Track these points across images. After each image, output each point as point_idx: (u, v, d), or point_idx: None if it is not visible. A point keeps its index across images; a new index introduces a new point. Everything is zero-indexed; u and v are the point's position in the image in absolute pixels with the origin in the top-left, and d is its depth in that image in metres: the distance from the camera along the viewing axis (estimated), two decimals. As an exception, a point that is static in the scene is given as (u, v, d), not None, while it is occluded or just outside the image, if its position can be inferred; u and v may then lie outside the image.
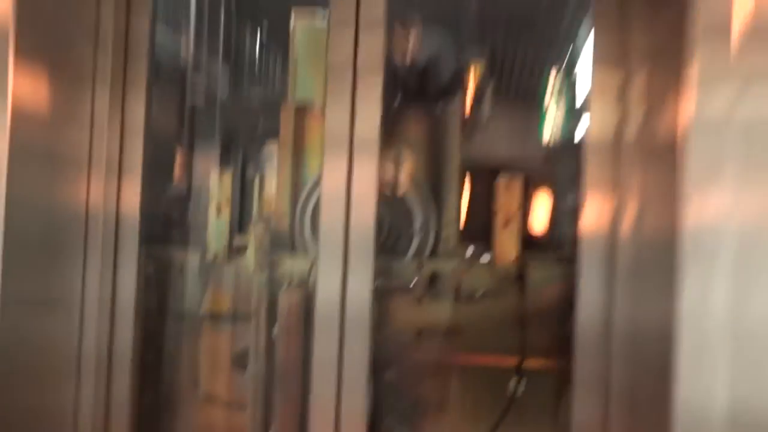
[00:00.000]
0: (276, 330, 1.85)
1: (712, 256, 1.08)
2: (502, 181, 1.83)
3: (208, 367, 1.96)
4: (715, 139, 1.08)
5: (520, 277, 1.79)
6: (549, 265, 1.79)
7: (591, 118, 1.56)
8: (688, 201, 1.11)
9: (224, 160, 2.10)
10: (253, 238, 1.89)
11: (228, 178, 1.96)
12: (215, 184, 1.96)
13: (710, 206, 1.09)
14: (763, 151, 1.06)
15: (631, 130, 1.48)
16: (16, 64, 1.35)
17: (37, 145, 1.46)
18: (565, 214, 1.88)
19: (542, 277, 1.79)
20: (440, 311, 1.83)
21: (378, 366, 1.72)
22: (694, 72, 1.10)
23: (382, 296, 1.78)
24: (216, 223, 1.95)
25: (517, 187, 1.82)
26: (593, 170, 1.53)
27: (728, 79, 1.07)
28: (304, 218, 1.91)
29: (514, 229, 1.81)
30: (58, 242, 1.58)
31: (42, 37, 1.44)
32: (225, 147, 2.15)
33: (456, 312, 1.82)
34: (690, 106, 1.11)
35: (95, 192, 1.67)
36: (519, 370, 1.77)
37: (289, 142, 1.95)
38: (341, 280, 1.60)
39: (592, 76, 1.56)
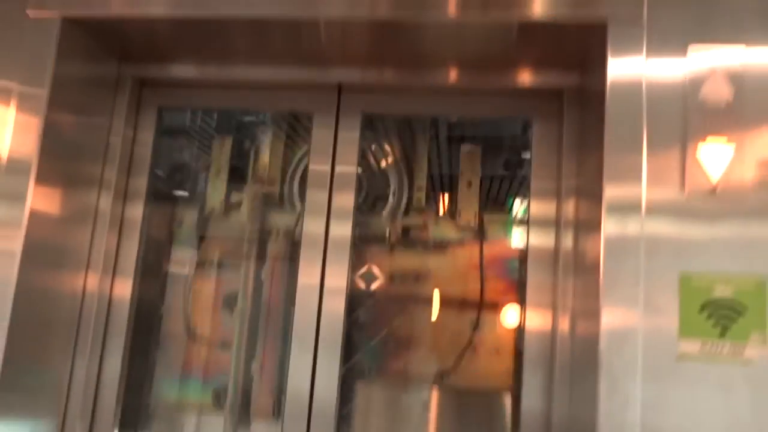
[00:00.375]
0: (263, 273, 2.10)
1: (624, 360, 1.34)
2: (464, 150, 2.12)
3: (202, 309, 2.18)
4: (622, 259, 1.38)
5: (479, 230, 2.07)
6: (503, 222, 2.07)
7: (530, 237, 1.82)
8: (604, 311, 1.37)
9: (223, 130, 2.35)
10: (247, 195, 2.17)
11: (228, 144, 2.24)
12: (216, 149, 2.24)
13: (621, 316, 1.36)
14: (660, 270, 1.37)
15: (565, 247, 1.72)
16: (36, 183, 1.61)
17: (47, 241, 1.68)
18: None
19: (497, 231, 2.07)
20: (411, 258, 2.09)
21: (353, 305, 1.97)
22: (604, 208, 1.41)
23: (361, 244, 2.04)
24: (215, 181, 2.21)
25: (477, 155, 2.12)
26: (534, 277, 1.78)
27: (632, 213, 1.40)
28: (293, 182, 2.18)
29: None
30: (54, 324, 1.75)
31: (58, 161, 1.69)
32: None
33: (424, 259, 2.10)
34: (603, 232, 1.40)
35: (91, 283, 1.86)
36: (479, 308, 2.01)
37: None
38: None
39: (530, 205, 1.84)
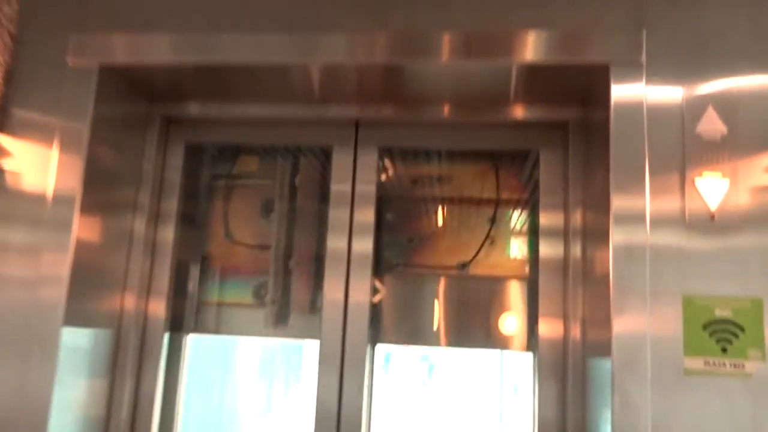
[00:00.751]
0: (297, 180, 2.24)
1: (635, 364, 1.47)
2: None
3: (240, 217, 2.27)
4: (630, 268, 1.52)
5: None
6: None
7: (542, 247, 1.95)
8: (615, 317, 1.50)
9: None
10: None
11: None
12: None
13: (631, 321, 1.50)
14: (665, 277, 1.51)
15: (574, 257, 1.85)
16: (80, 214, 1.74)
17: (90, 265, 1.80)
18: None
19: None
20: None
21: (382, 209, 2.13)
22: (612, 219, 1.54)
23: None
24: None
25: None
26: (545, 287, 1.92)
27: (638, 224, 1.53)
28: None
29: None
30: (95, 345, 1.87)
31: (99, 193, 1.82)
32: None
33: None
34: (612, 242, 1.53)
35: (128, 303, 1.98)
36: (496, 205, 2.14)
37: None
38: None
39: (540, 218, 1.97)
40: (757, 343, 1.44)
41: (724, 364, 1.44)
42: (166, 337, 2.05)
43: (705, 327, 1.46)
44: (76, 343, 1.75)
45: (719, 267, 1.49)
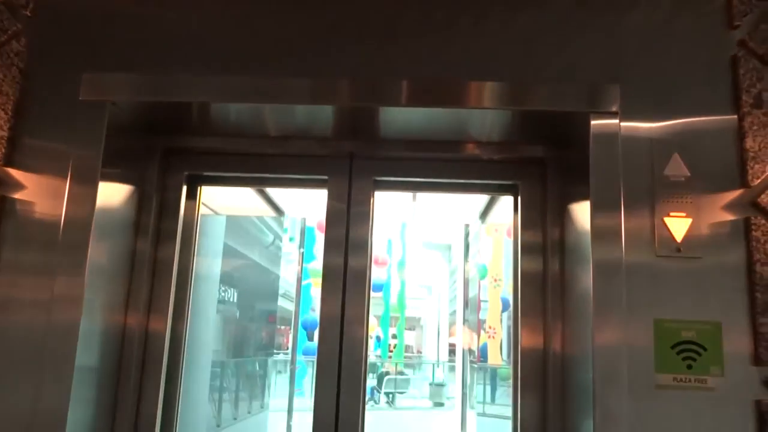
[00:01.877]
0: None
1: (615, 377, 1.65)
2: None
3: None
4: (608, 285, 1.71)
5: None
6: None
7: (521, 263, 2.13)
8: (596, 331, 1.68)
9: None
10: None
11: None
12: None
13: (611, 335, 1.68)
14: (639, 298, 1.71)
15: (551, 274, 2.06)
16: (92, 241, 1.82)
17: (98, 288, 1.89)
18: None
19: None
20: None
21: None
22: (592, 237, 1.74)
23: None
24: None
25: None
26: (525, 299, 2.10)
27: (615, 246, 1.73)
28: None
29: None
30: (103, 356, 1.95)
31: (108, 221, 1.92)
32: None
33: None
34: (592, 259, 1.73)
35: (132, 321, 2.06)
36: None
37: None
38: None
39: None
40: (717, 361, 1.65)
41: (690, 380, 1.65)
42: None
43: (673, 347, 1.66)
44: (88, 361, 1.82)
45: (685, 293, 1.70)
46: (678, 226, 1.72)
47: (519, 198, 2.17)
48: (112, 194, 1.93)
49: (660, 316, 1.69)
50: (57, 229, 1.81)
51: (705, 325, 1.67)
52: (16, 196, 1.85)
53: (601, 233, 1.74)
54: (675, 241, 1.71)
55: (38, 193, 1.85)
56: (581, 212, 1.83)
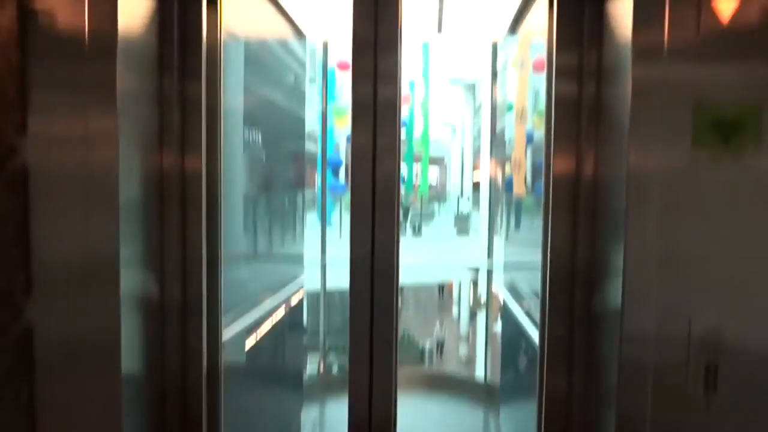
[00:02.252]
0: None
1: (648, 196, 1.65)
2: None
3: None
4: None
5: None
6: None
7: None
8: (631, 152, 1.65)
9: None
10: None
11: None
12: None
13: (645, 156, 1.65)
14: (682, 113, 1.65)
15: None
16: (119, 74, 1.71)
17: (131, 126, 1.81)
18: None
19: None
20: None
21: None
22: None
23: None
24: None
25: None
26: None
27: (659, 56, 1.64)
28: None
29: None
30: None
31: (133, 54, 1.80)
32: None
33: None
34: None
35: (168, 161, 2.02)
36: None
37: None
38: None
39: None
40: (755, 140, 1.65)
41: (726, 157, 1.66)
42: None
43: (712, 124, 1.65)
44: (132, 199, 1.83)
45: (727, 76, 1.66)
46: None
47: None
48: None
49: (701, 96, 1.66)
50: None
51: (746, 104, 1.65)
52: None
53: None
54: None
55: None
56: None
